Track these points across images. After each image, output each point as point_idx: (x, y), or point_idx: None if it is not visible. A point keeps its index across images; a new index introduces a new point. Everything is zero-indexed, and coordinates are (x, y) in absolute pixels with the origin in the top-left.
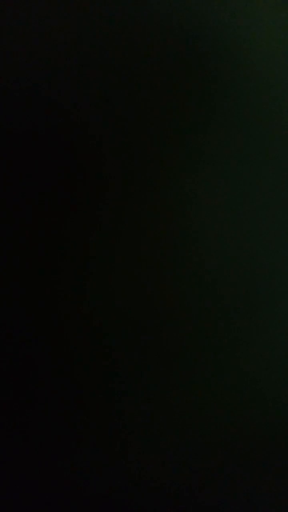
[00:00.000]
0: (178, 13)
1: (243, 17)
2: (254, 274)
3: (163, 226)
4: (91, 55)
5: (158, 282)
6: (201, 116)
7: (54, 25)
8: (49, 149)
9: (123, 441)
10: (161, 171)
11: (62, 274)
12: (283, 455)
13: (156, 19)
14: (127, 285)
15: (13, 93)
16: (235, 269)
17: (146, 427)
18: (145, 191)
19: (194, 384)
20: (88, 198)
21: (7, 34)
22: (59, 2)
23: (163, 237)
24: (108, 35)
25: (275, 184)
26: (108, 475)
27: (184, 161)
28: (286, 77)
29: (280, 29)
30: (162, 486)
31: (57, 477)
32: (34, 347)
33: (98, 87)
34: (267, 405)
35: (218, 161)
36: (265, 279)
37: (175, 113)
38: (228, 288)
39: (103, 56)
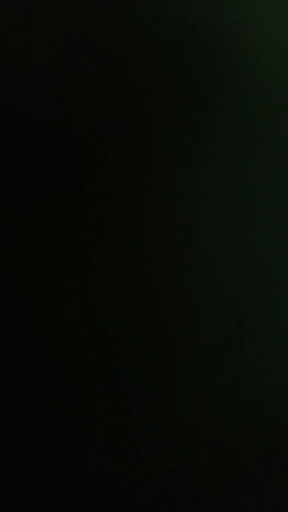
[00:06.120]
0: (179, 12)
1: (244, 16)
2: (255, 270)
3: (165, 223)
4: (92, 54)
5: (160, 279)
6: (202, 115)
7: (55, 21)
8: (51, 145)
9: (123, 438)
10: (162, 169)
11: (64, 271)
12: (284, 455)
13: (157, 18)
14: (129, 282)
15: (14, 90)
16: (236, 266)
17: (147, 424)
18: (146, 187)
19: (195, 381)
20: (90, 195)
21: (7, 31)
22: None
23: (165, 233)
24: (109, 34)
25: (276, 182)
26: (108, 474)
27: (185, 159)
28: (287, 76)
29: (281, 28)
30: (162, 485)
31: (57, 475)
32: (36, 342)
33: (98, 86)
34: (269, 402)
35: (219, 159)
36: (266, 276)
37: (176, 112)
38: (229, 285)
39: (103, 55)
